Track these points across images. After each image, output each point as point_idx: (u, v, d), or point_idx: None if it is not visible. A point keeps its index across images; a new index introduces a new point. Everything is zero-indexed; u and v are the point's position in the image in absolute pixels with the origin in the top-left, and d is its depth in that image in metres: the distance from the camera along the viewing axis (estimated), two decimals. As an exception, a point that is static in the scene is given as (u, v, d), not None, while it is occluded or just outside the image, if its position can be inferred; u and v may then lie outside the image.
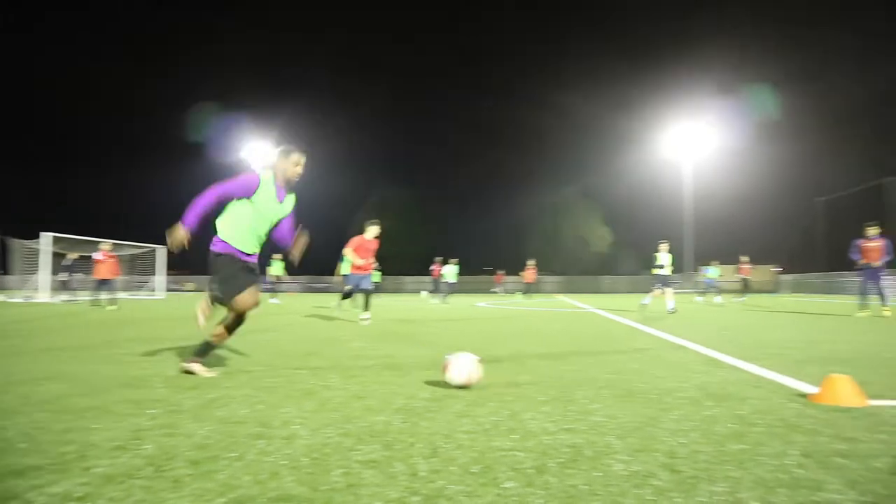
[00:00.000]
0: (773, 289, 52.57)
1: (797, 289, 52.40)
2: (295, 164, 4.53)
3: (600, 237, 65.61)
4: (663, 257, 15.13)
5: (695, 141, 48.52)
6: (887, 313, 12.36)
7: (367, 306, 10.94)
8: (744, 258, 26.70)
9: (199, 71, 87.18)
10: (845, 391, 3.42)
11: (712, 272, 25.83)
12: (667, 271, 15.06)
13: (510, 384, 4.16)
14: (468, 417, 3.13)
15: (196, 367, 4.46)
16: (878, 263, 12.96)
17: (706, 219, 54.22)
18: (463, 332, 8.94)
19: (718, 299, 24.13)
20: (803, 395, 3.66)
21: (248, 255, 4.50)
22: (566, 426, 2.92)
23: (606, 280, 54.49)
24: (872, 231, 13.29)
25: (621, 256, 62.46)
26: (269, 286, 22.81)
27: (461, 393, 3.79)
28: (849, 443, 2.61)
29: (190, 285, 49.06)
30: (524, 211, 66.66)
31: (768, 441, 2.64)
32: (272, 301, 21.51)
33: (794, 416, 3.14)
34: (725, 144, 50.62)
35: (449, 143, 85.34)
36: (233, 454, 2.45)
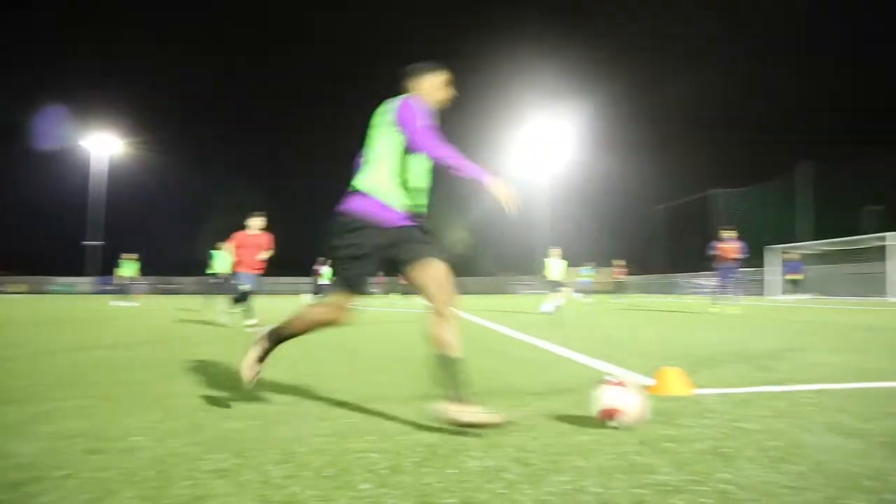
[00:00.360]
0: (620, 290, 56.23)
1: (641, 290, 56.60)
2: (443, 84, 3.35)
3: (461, 239, 67.24)
4: (554, 264, 15.54)
5: (549, 147, 51.05)
6: (735, 311, 13.85)
7: (248, 311, 9.89)
8: (618, 261, 28.74)
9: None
10: (675, 382, 3.74)
11: (586, 272, 27.63)
12: (559, 276, 15.42)
13: (368, 385, 4.16)
14: (325, 421, 3.09)
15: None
16: (732, 263, 14.68)
17: (558, 222, 57.12)
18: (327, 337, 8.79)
19: (588, 299, 25.70)
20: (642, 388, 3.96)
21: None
22: (422, 426, 2.97)
23: (467, 281, 55.90)
24: (728, 234, 14.94)
25: (480, 259, 64.41)
26: (118, 288, 21.34)
27: (317, 397, 3.74)
28: (677, 429, 2.86)
29: (22, 287, 43.65)
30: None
31: (610, 431, 2.83)
32: (125, 304, 20.08)
33: (632, 406, 3.39)
34: (575, 154, 53.72)
35: (307, 141, 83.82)
36: (62, 472, 2.25)
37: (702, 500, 1.95)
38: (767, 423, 2.97)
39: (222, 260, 17.52)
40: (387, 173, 3.07)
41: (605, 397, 2.91)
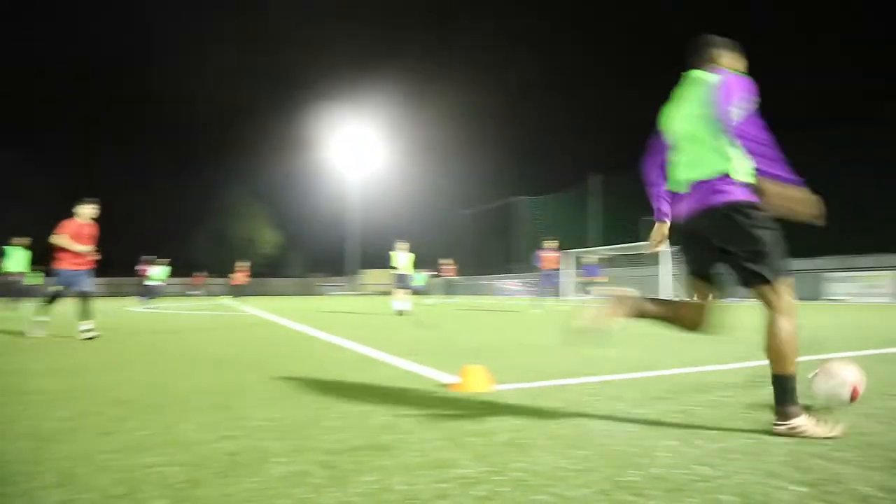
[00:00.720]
0: (451, 289, 57.86)
1: (448, 291, 58.52)
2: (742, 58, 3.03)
3: (268, 240, 65.13)
4: (401, 257, 15.26)
5: (361, 149, 51.25)
6: (564, 308, 15.15)
7: (86, 314, 8.22)
8: (445, 260, 29.54)
9: None
10: (477, 379, 3.93)
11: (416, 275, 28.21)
12: (405, 271, 15.19)
13: (165, 393, 3.88)
14: (112, 435, 2.83)
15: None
16: (554, 269, 16.73)
17: (371, 223, 57.58)
18: (124, 342, 8.06)
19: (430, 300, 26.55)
20: (446, 385, 4.11)
21: None
22: (224, 434, 2.83)
23: (276, 283, 54.26)
24: (549, 243, 16.62)
25: (289, 260, 62.94)
26: None
27: (104, 408, 3.41)
28: (478, 423, 3.00)
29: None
30: (190, 210, 62.98)
31: (415, 429, 2.90)
32: None
33: (437, 404, 3.50)
34: (390, 157, 54.48)
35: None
36: None
37: (499, 489, 2.06)
38: (557, 413, 3.23)
39: (17, 258, 15.44)
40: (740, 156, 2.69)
41: (851, 376, 3.09)
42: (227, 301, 28.41)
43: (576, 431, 2.82)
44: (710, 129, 2.73)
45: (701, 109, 2.78)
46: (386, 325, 10.96)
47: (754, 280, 2.73)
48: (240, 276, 29.00)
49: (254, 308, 19.90)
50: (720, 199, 2.72)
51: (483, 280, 51.20)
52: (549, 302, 16.46)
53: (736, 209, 2.69)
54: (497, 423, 3.01)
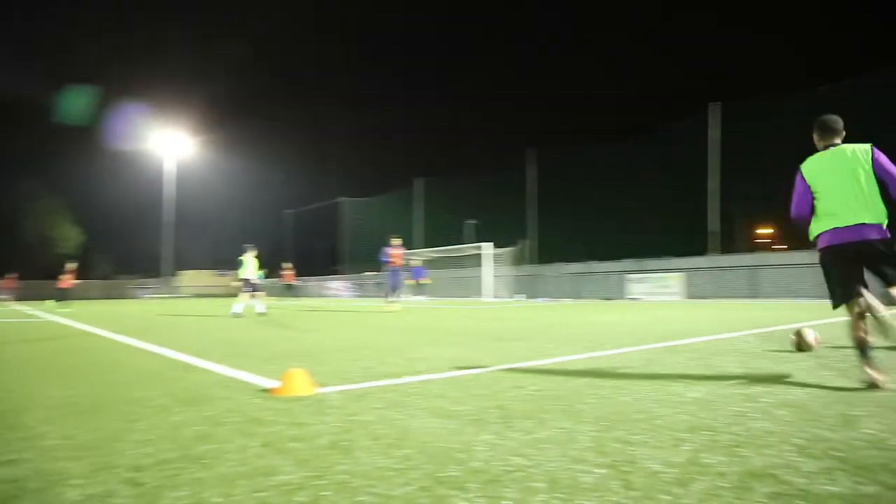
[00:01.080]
0: (291, 293, 55.87)
1: (271, 293, 56.64)
2: None
3: (68, 238, 58.97)
4: (249, 262, 15.34)
5: (177, 146, 48.20)
6: (396, 308, 15.92)
7: None
8: (286, 265, 28.98)
9: None
10: (299, 382, 3.85)
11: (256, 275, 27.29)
12: (252, 275, 15.32)
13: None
14: None
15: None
16: (400, 265, 17.51)
17: (186, 224, 54.33)
18: None
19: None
20: (267, 391, 3.97)
21: None
22: (9, 457, 2.51)
23: (78, 286, 49.29)
24: (396, 241, 17.42)
25: (95, 260, 57.51)
26: None
27: None
28: (300, 428, 2.94)
29: None
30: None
31: (233, 438, 2.78)
32: None
33: (257, 410, 3.38)
34: (209, 156, 51.77)
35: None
36: None
37: (322, 493, 2.04)
38: (380, 413, 3.25)
39: None
40: (881, 207, 3.88)
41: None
42: (51, 305, 25.30)
43: (398, 431, 2.85)
44: (872, 188, 3.87)
45: (865, 173, 3.89)
46: (207, 328, 10.36)
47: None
48: (67, 279, 26.13)
49: (67, 316, 17.91)
50: (877, 235, 3.85)
51: (311, 282, 50.31)
52: (396, 298, 17.74)
53: (887, 244, 3.86)
54: (319, 426, 2.97)
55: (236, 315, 14.17)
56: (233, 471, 2.29)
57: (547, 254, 36.02)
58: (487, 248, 31.42)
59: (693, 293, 26.09)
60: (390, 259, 17.26)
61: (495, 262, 32.36)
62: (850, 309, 3.91)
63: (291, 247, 58.65)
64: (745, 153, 29.82)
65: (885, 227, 3.86)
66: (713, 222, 29.64)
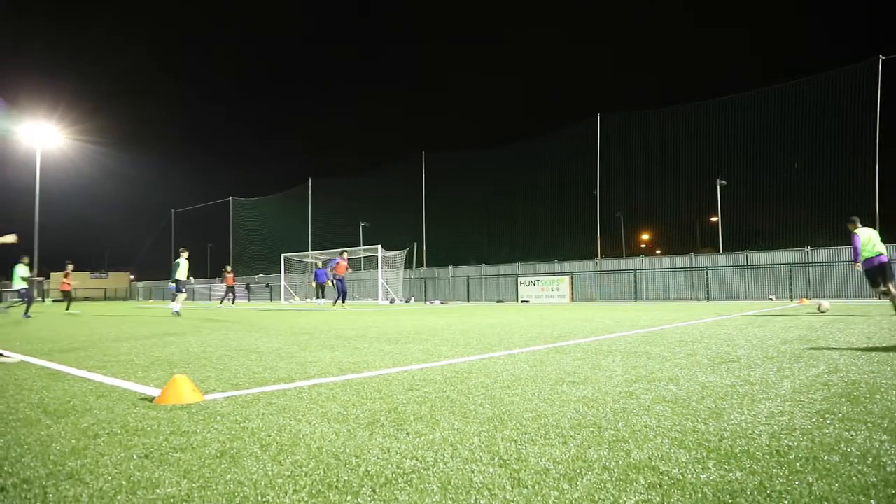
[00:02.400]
0: (127, 296, 52.69)
1: (150, 296, 53.75)
2: None
3: None
4: (182, 263, 16.95)
5: (45, 137, 44.83)
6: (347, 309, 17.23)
7: None
8: (228, 269, 28.85)
9: None
10: (184, 390, 3.68)
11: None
12: (182, 276, 17.00)
13: None
14: None
15: None
16: (343, 276, 21.38)
17: (58, 224, 50.71)
18: None
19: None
20: (149, 399, 3.77)
21: None
22: None
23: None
24: (345, 254, 21.19)
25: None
26: None
27: None
28: (185, 437, 2.81)
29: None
30: None
31: (110, 450, 2.61)
32: None
33: (137, 420, 3.19)
34: (82, 151, 48.58)
35: None
36: None
37: (208, 504, 1.96)
38: (269, 419, 3.16)
39: None
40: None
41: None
42: None
43: (288, 437, 2.79)
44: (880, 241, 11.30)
45: (877, 237, 11.21)
46: (80, 333, 9.66)
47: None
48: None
49: None
50: (885, 260, 10.88)
51: (198, 285, 48.22)
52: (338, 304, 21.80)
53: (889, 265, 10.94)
54: (206, 434, 2.85)
55: (177, 314, 16.17)
56: (110, 486, 2.15)
57: (439, 257, 36.42)
58: (379, 251, 31.33)
59: (580, 296, 27.18)
60: (337, 270, 21.28)
61: (390, 264, 32.30)
62: None
63: (184, 246, 56.15)
64: (625, 162, 31.49)
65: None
66: (598, 228, 31.03)
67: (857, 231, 11.07)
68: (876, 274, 10.85)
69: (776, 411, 3.13)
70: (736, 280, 24.37)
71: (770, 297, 22.87)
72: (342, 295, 21.47)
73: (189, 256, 17.39)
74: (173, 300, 16.87)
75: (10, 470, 2.35)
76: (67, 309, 23.01)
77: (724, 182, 28.22)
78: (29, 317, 16.84)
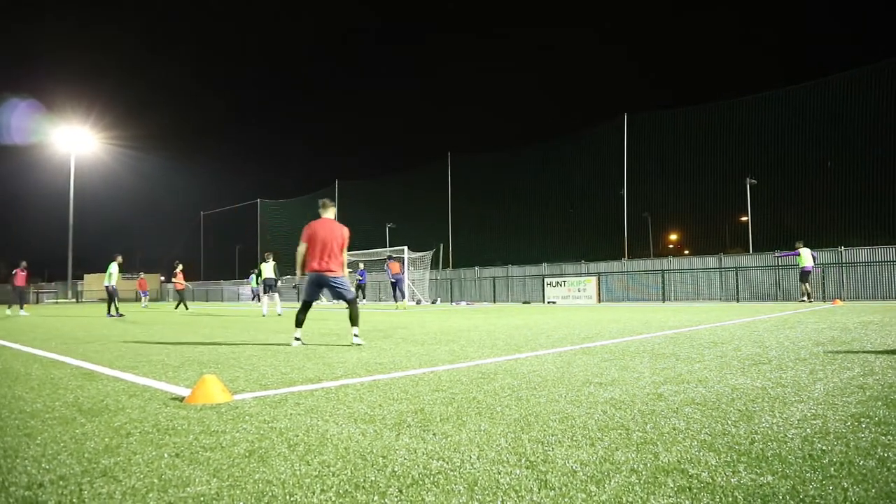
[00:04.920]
0: (158, 297, 53.57)
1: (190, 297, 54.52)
2: None
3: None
4: (268, 267, 17.25)
5: (81, 144, 45.87)
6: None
7: None
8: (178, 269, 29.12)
9: None
10: (214, 390, 3.73)
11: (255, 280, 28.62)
12: (271, 278, 17.21)
13: None
14: None
15: None
16: (398, 274, 22.20)
17: (94, 227, 51.85)
18: None
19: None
20: (180, 399, 3.82)
21: None
22: None
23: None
24: (396, 255, 20.52)
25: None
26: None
27: None
28: (215, 436, 2.85)
29: None
30: None
31: (143, 449, 2.66)
32: None
33: (168, 419, 3.24)
34: (115, 156, 49.59)
35: None
36: None
37: (238, 503, 1.98)
38: (297, 419, 3.19)
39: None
40: None
41: None
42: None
43: (316, 437, 2.81)
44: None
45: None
46: (113, 334, 9.85)
47: None
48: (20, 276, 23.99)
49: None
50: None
51: (215, 286, 48.80)
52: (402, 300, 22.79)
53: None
54: (235, 434, 2.88)
55: (269, 315, 16.07)
56: (143, 483, 2.19)
57: (465, 258, 36.40)
58: (406, 252, 31.41)
59: (607, 297, 26.96)
60: (390, 269, 22.54)
61: (416, 266, 32.36)
62: None
63: (206, 248, 56.79)
64: (653, 162, 31.16)
65: None
66: (626, 229, 30.75)
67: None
68: None
69: (809, 414, 3.08)
70: (767, 281, 23.96)
71: (802, 298, 22.46)
72: (402, 294, 22.86)
73: (273, 256, 18.00)
74: (255, 300, 17.87)
75: (47, 466, 2.41)
76: (177, 308, 24.31)
77: (753, 181, 27.79)
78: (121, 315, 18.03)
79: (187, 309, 24.31)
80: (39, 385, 4.59)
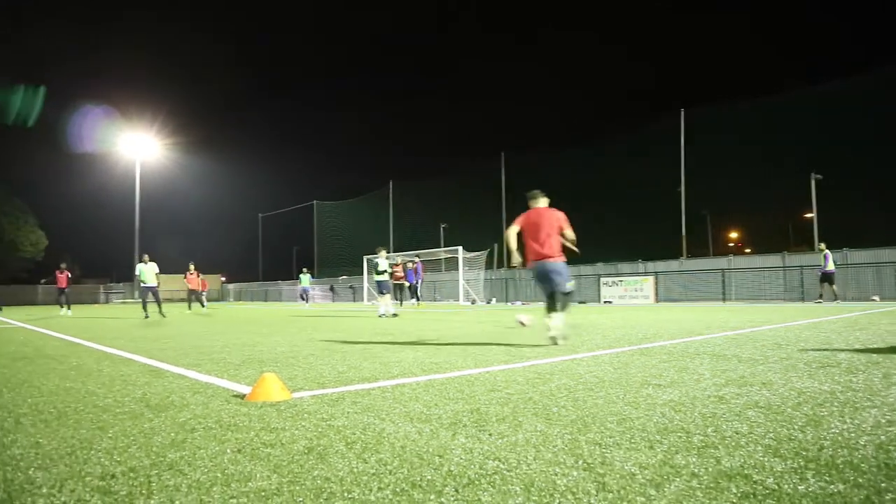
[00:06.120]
0: (219, 297, 55.11)
1: (239, 297, 55.95)
2: None
3: (34, 243, 57.71)
4: (383, 263, 15.63)
5: (146, 149, 47.65)
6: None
7: None
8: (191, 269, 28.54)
9: None
10: (273, 388, 3.81)
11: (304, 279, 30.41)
12: (385, 277, 15.38)
13: None
14: None
15: None
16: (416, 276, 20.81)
17: (158, 229, 53.79)
18: None
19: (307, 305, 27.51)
20: (241, 396, 3.93)
21: None
22: (-26, 465, 2.45)
23: (41, 290, 48.38)
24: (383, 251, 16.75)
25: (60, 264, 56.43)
26: None
27: None
28: (275, 433, 2.91)
29: None
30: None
31: (206, 444, 2.74)
32: None
33: (230, 416, 3.33)
34: (178, 160, 51.28)
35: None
36: None
37: (298, 498, 2.02)
38: (354, 418, 3.23)
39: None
40: None
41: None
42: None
43: (373, 435, 2.84)
44: None
45: None
46: (176, 333, 10.20)
47: None
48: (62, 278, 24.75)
49: (10, 319, 17.52)
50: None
51: (283, 285, 49.83)
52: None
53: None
54: (294, 431, 2.94)
55: (384, 316, 14.74)
56: (207, 477, 2.26)
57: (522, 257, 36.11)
58: (460, 252, 31.43)
59: (665, 297, 26.40)
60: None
61: (470, 265, 32.35)
62: None
63: (260, 251, 58.08)
64: (711, 159, 30.32)
65: None
66: (683, 226, 30.05)
67: None
68: None
69: (883, 420, 2.94)
70: (836, 280, 23.03)
71: (873, 297, 21.50)
72: (405, 293, 22.35)
73: (386, 254, 16.45)
74: (303, 302, 16.90)
75: (118, 458, 2.51)
76: (189, 308, 24.18)
77: (819, 177, 26.74)
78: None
79: (203, 307, 24.56)
80: (110, 381, 4.79)
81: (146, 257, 17.93)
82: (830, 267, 19.63)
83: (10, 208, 55.80)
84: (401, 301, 19.34)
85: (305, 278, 30.99)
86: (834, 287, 19.50)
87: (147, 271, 17.78)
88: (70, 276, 23.60)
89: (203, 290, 25.56)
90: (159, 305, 17.92)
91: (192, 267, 24.34)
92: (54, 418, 3.38)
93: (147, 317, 16.86)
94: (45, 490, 2.15)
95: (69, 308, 23.15)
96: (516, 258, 7.23)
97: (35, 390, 4.39)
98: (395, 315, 15.14)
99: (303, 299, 30.98)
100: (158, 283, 18.14)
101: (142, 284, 17.97)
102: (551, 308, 6.97)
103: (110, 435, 2.95)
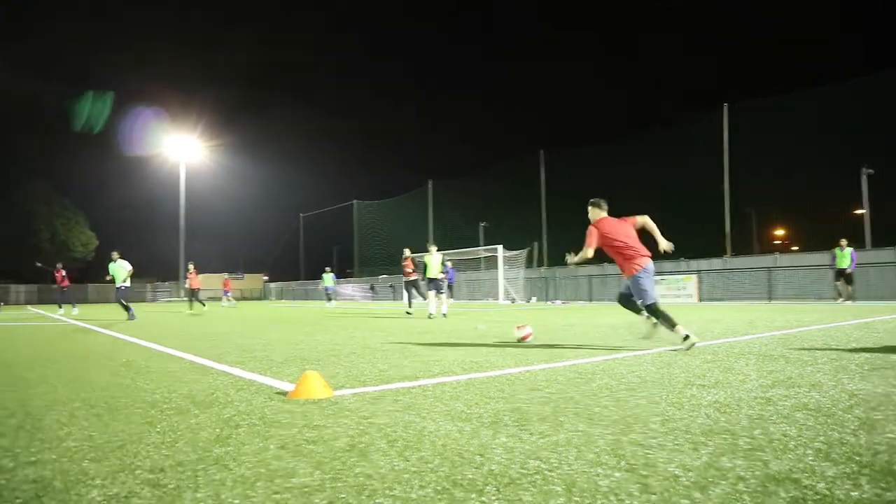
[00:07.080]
0: (262, 296, 56.09)
1: (281, 296, 56.82)
2: None
3: (84, 243, 59.55)
4: (432, 261, 14.87)
5: (190, 151, 48.73)
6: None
7: None
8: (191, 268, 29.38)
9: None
10: (316, 385, 3.86)
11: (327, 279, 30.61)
12: (438, 275, 14.82)
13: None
14: None
15: None
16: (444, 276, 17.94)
17: (202, 229, 54.95)
18: None
19: (332, 304, 28.05)
20: (283, 393, 3.99)
21: None
22: (27, 459, 2.54)
23: (91, 289, 49.91)
24: (408, 251, 17.16)
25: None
26: None
27: None
28: (317, 430, 2.95)
29: None
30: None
31: (250, 440, 2.79)
32: None
33: (273, 412, 3.39)
34: (220, 161, 52.29)
35: None
36: None
37: (340, 495, 2.04)
38: (395, 416, 3.25)
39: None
40: None
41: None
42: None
43: (414, 434, 2.85)
44: None
45: None
46: (220, 331, 10.42)
47: None
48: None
49: (63, 316, 18.08)
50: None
51: (312, 285, 50.35)
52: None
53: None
54: (336, 429, 2.97)
55: (431, 316, 14.16)
56: (251, 473, 2.30)
57: (560, 256, 35.85)
58: (500, 251, 31.33)
59: (708, 295, 25.89)
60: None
61: (510, 264, 32.23)
62: None
63: (300, 250, 58.80)
64: (756, 154, 29.59)
65: None
66: (727, 224, 29.42)
67: None
68: None
69: (939, 423, 2.84)
70: (887, 278, 22.26)
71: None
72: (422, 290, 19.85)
73: (436, 249, 15.23)
74: (328, 301, 15.73)
75: (166, 453, 2.57)
76: (191, 307, 22.94)
77: (870, 170, 25.86)
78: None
79: (203, 306, 24.04)
80: (158, 377, 4.91)
81: (115, 255, 16.08)
82: (846, 264, 19.21)
83: (61, 209, 57.67)
84: (409, 302, 17.00)
85: (328, 277, 30.87)
86: (850, 287, 19.10)
87: (118, 269, 15.98)
88: (65, 275, 23.03)
89: (227, 290, 25.75)
90: (126, 308, 15.94)
91: (191, 267, 23.56)
92: (106, 412, 3.49)
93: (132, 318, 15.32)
94: (98, 482, 2.22)
95: (74, 306, 22.29)
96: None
97: (87, 385, 4.53)
98: (429, 316, 14.30)
99: (329, 299, 31.04)
100: (127, 281, 16.12)
101: (115, 286, 16.18)
102: (637, 309, 7.24)
103: (158, 430, 3.02)
